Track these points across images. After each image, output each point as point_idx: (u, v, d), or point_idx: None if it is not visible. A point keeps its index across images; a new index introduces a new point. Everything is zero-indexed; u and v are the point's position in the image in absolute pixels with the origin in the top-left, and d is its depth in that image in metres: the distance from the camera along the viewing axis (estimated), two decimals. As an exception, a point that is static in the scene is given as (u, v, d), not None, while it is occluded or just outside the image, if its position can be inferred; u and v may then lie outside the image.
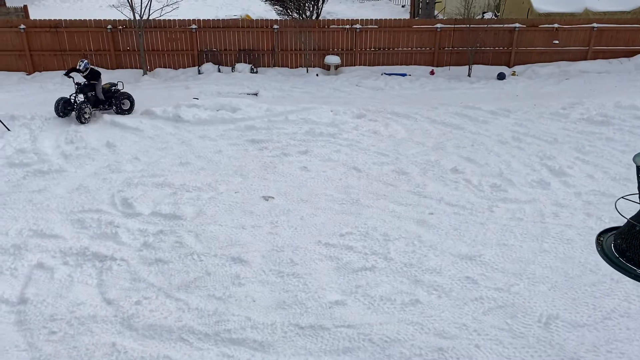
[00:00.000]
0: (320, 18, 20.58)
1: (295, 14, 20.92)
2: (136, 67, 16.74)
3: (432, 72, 16.71)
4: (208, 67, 16.68)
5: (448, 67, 17.04)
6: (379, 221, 7.32)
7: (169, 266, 6.32)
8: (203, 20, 16.69)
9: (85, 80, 11.91)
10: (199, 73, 16.54)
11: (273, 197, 8.01)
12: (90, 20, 16.46)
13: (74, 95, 11.75)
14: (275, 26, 16.71)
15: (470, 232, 7.04)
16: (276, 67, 17.01)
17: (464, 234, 7.01)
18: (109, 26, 16.30)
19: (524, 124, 11.31)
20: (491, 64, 17.01)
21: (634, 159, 2.09)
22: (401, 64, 17.18)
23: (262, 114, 11.71)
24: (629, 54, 17.04)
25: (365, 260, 6.40)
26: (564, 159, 9.37)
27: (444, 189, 8.35)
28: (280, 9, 22.19)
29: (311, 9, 21.36)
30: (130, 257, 6.49)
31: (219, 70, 16.63)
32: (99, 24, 16.37)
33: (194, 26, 16.47)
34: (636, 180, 2.18)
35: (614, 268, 2.13)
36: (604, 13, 18.19)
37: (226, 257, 6.45)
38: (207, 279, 6.07)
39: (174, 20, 16.46)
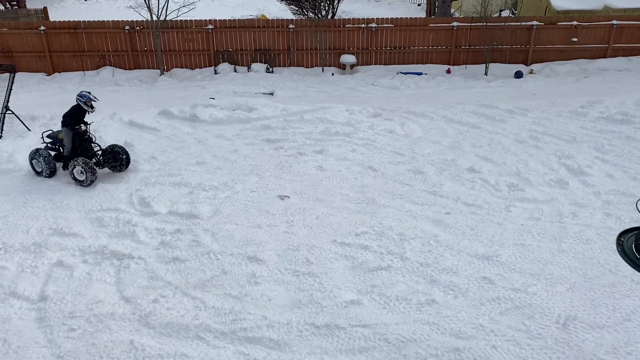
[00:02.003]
0: (335, 17, 20.56)
1: (310, 14, 20.92)
2: (153, 68, 16.91)
3: (448, 71, 16.61)
4: (224, 67, 16.78)
5: (464, 65, 16.91)
6: (394, 221, 7.30)
7: (185, 265, 6.38)
8: (219, 20, 16.79)
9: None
10: (215, 73, 16.64)
11: (289, 197, 8.03)
12: (108, 21, 16.66)
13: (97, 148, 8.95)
14: (291, 26, 16.74)
15: (487, 232, 6.98)
16: (292, 67, 17.05)
17: (481, 233, 6.95)
18: (127, 27, 16.48)
19: (542, 122, 11.19)
20: (508, 62, 16.85)
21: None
22: (417, 63, 17.11)
23: (278, 113, 11.74)
24: (650, 52, 16.77)
25: (381, 260, 6.39)
26: (583, 158, 9.24)
27: (460, 188, 8.29)
28: (296, 8, 22.20)
29: (327, 8, 21.34)
30: (147, 256, 6.56)
31: (235, 70, 16.72)
32: (117, 25, 16.56)
33: (210, 26, 16.57)
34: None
35: (635, 269, 2.10)
36: (624, 10, 17.90)
37: (242, 256, 6.49)
38: (223, 277, 6.11)
39: (191, 20, 16.59)
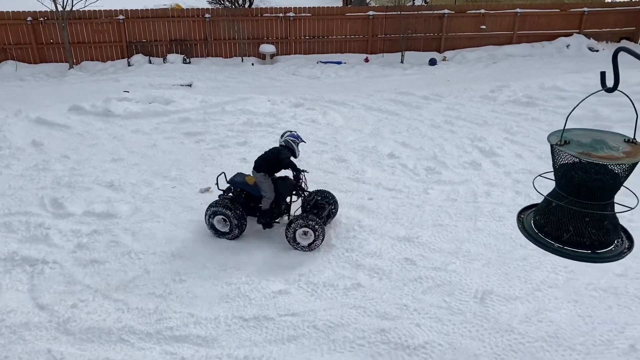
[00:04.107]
0: (253, 6, 20.28)
1: (227, 3, 20.52)
2: (61, 61, 15.96)
3: (366, 60, 16.90)
4: (138, 58, 16.13)
5: (382, 54, 17.28)
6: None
7: (105, 266, 6.12)
8: (130, 10, 16.09)
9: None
10: (129, 65, 15.97)
11: (210, 187, 7.89)
12: (7, 11, 15.48)
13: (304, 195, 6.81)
14: (207, 15, 16.37)
15: (407, 215, 7.22)
16: (210, 57, 16.69)
17: (402, 217, 7.18)
18: (29, 18, 15.41)
19: (456, 107, 11.67)
20: (423, 50, 17.40)
21: (548, 138, 2.21)
22: (336, 52, 17.28)
23: (197, 105, 11.46)
24: (550, 38, 17.91)
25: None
26: (494, 140, 9.75)
27: (381, 174, 8.50)
28: (212, -3, 21.70)
29: (243, -3, 21.01)
30: (63, 260, 6.22)
31: (150, 62, 16.12)
32: (18, 16, 15.44)
33: (121, 17, 15.86)
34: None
35: (534, 243, 2.25)
36: (526, -2, 18.99)
37: (165, 254, 6.32)
38: (146, 277, 5.92)
39: (100, 10, 15.78)
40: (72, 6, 15.02)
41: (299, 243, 6.38)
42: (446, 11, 17.13)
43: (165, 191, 7.87)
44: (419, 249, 6.41)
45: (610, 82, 2.17)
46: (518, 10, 17.44)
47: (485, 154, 9.15)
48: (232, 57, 16.92)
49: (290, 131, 6.70)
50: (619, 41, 18.47)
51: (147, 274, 5.98)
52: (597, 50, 17.43)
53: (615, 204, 2.20)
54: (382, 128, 10.56)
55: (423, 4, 21.62)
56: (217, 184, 6.89)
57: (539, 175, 2.51)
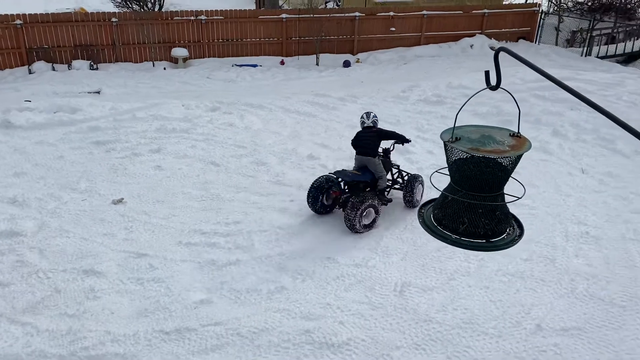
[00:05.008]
0: (163, 10, 19.75)
1: (135, 6, 19.84)
2: (-49, 70, 14.72)
3: (282, 62, 16.96)
4: (40, 65, 15.20)
5: (297, 56, 17.40)
6: (241, 214, 7.30)
7: (10, 289, 5.71)
8: (29, 14, 15.13)
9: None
10: (30, 73, 15.01)
11: (123, 198, 7.59)
12: None
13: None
14: (114, 19, 15.73)
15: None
16: (119, 63, 16.05)
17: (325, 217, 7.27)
18: None
19: (370, 108, 11.94)
20: (337, 52, 17.70)
21: (440, 136, 2.33)
22: (251, 55, 17.21)
23: (107, 113, 10.97)
24: (455, 38, 18.85)
25: (229, 255, 6.36)
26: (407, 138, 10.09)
27: (302, 175, 8.55)
28: (119, 0, 20.90)
29: (153, 0, 20.42)
30: (-39, 285, 5.75)
31: (54, 69, 15.25)
32: None
33: (18, 22, 14.87)
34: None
35: (433, 236, 2.37)
36: (432, 0, 19.85)
37: (77, 271, 6.00)
38: (56, 297, 5.60)
39: (-7, 15, 14.73)
40: (-39, 10, 13.91)
41: (417, 200, 7.49)
42: (357, 14, 17.54)
43: (75, 204, 7.48)
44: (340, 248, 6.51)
45: (494, 81, 2.32)
46: (425, 12, 18.19)
47: (400, 151, 9.45)
48: (142, 61, 16.37)
49: (370, 112, 7.67)
50: (517, 40, 19.78)
51: (57, 293, 5.65)
52: (498, 50, 18.55)
53: (505, 195, 2.36)
54: (301, 130, 10.63)
55: (335, 6, 22.02)
56: (336, 178, 7.23)
57: (436, 171, 2.65)
